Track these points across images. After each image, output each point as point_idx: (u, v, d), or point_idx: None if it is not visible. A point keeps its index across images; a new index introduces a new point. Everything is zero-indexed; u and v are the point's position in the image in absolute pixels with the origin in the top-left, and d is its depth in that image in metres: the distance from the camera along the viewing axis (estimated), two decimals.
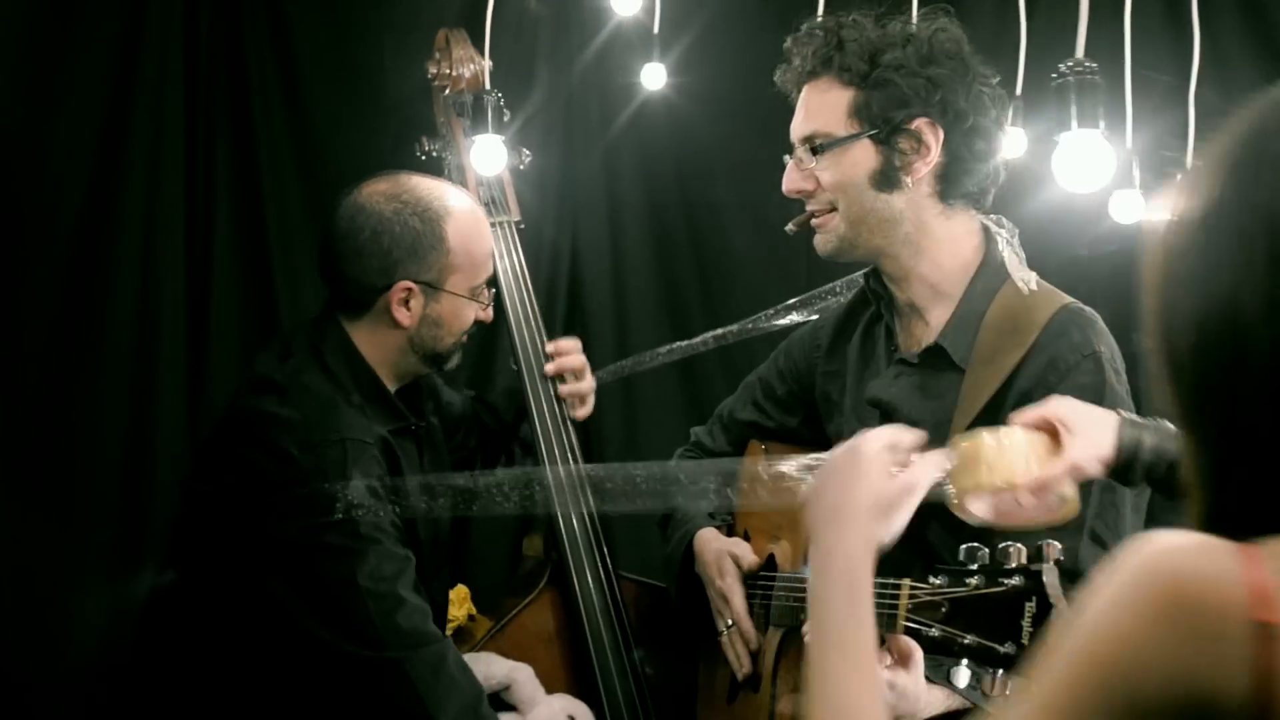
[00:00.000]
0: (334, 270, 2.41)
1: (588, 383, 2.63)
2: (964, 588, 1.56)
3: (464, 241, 2.38)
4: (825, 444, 2.27)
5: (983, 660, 1.53)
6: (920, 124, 2.09)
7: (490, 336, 3.54)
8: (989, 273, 2.14)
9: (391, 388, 2.43)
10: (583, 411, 2.61)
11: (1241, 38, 4.08)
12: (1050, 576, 1.52)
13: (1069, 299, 2.13)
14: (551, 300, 4.04)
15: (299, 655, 2.26)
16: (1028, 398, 1.97)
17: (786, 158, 2.19)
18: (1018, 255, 2.15)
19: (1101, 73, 3.76)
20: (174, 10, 3.72)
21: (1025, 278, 2.11)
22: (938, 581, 1.59)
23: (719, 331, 2.81)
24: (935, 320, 2.15)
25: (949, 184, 2.14)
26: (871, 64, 2.07)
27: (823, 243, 2.17)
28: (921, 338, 2.16)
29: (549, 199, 3.99)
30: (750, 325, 2.77)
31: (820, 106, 2.12)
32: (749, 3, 3.86)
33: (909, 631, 1.61)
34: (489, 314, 2.47)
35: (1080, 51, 2.23)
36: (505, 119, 2.80)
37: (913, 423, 2.04)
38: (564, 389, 2.60)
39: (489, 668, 2.36)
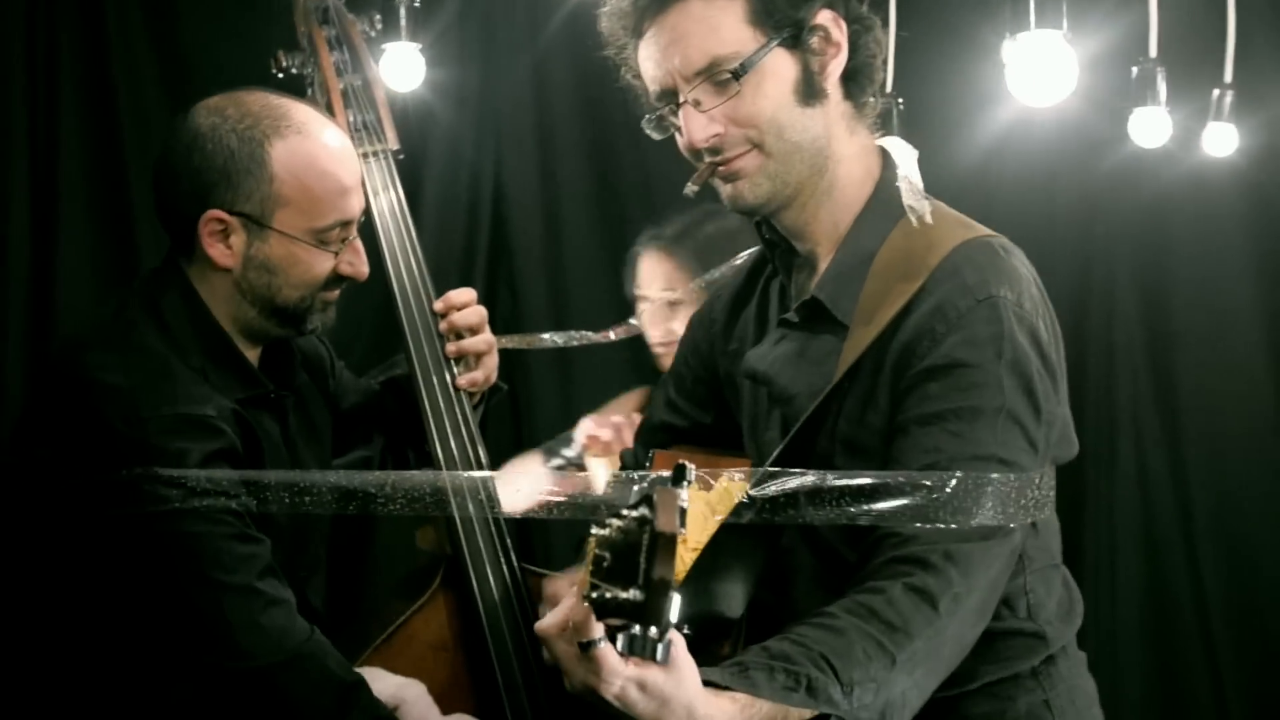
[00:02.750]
0: (155, 198, 2.31)
1: (483, 339, 2.49)
2: (607, 531, 1.47)
3: (296, 170, 2.20)
4: (739, 441, 2.22)
5: (620, 614, 1.44)
6: (825, 16, 1.96)
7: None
8: (881, 207, 2.02)
9: (248, 350, 2.32)
10: (477, 376, 2.48)
11: None
12: (663, 498, 1.41)
13: (980, 231, 2.00)
14: (471, 244, 3.99)
15: (142, 667, 2.16)
16: (910, 353, 1.89)
17: (661, 118, 2.02)
18: (913, 183, 2.02)
19: None
20: None
21: (918, 208, 1.98)
22: (599, 532, 1.48)
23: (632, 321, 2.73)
24: (824, 269, 2.04)
25: (857, 87, 2.02)
26: None
27: (749, 190, 1.99)
28: (808, 291, 2.04)
29: (467, 122, 3.92)
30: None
31: (709, 26, 1.93)
32: None
33: (590, 600, 1.48)
34: (357, 267, 2.30)
35: None
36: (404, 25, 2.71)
37: (788, 396, 2.03)
38: (451, 348, 2.47)
39: (374, 686, 2.23)
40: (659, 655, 1.44)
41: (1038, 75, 2.15)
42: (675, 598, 1.42)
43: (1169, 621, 4.11)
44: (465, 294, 2.51)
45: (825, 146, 2.00)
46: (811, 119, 1.98)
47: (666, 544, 1.40)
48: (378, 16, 2.69)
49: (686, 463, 1.50)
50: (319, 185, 2.23)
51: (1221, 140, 3.38)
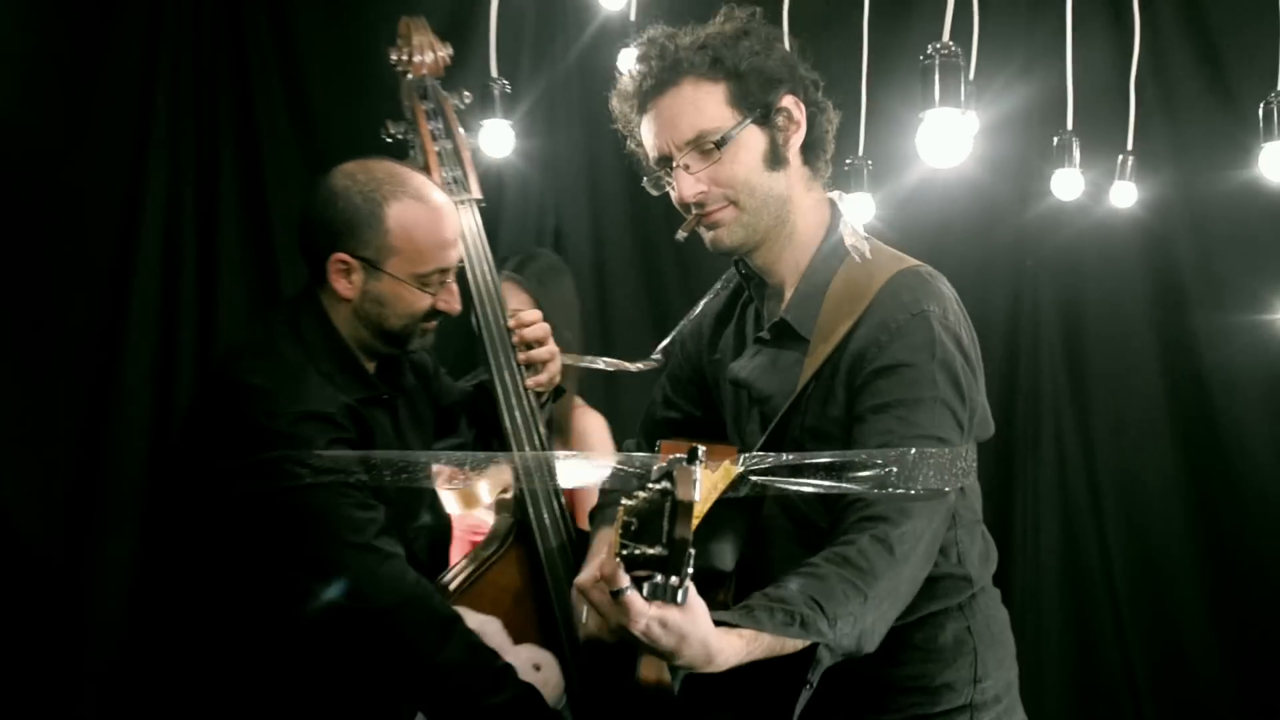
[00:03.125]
0: (299, 239, 2.30)
1: (547, 350, 2.45)
2: (635, 501, 1.45)
3: (406, 227, 2.18)
4: (724, 433, 2.19)
5: (646, 566, 1.43)
6: (788, 100, 1.97)
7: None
8: (832, 247, 2.00)
9: (366, 361, 2.30)
10: (542, 379, 2.44)
11: (1179, 28, 3.95)
12: (682, 474, 1.39)
13: (910, 262, 1.98)
14: None
15: (291, 613, 2.14)
16: (861, 359, 1.88)
17: (658, 178, 2.01)
18: (856, 229, 2.00)
19: (1043, 58, 3.73)
20: (185, 10, 3.71)
21: (860, 247, 1.97)
22: (628, 502, 1.45)
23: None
24: (789, 296, 2.03)
25: (813, 155, 2.02)
26: (734, 55, 1.93)
27: (726, 235, 1.99)
28: (777, 315, 2.03)
29: (534, 178, 3.89)
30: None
31: (696, 107, 1.94)
32: None
33: (622, 556, 1.46)
34: (451, 305, 2.26)
35: (946, 35, 2.16)
36: (497, 102, 2.73)
37: (765, 397, 2.01)
38: (521, 356, 2.43)
39: None
40: (679, 598, 1.44)
41: (941, 144, 2.16)
42: (692, 553, 1.41)
43: (1080, 575, 4.06)
44: (533, 314, 2.47)
45: (787, 201, 1.99)
46: (776, 181, 1.97)
47: (685, 510, 1.39)
48: (466, 93, 2.65)
49: (698, 445, 1.45)
50: (423, 240, 2.20)
51: (1124, 195, 3.33)
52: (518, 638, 2.28)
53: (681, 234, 2.02)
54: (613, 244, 4.03)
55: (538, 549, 2.36)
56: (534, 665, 2.25)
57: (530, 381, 2.43)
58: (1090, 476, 4.07)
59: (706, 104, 1.94)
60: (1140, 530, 4.04)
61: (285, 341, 2.21)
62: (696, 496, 1.40)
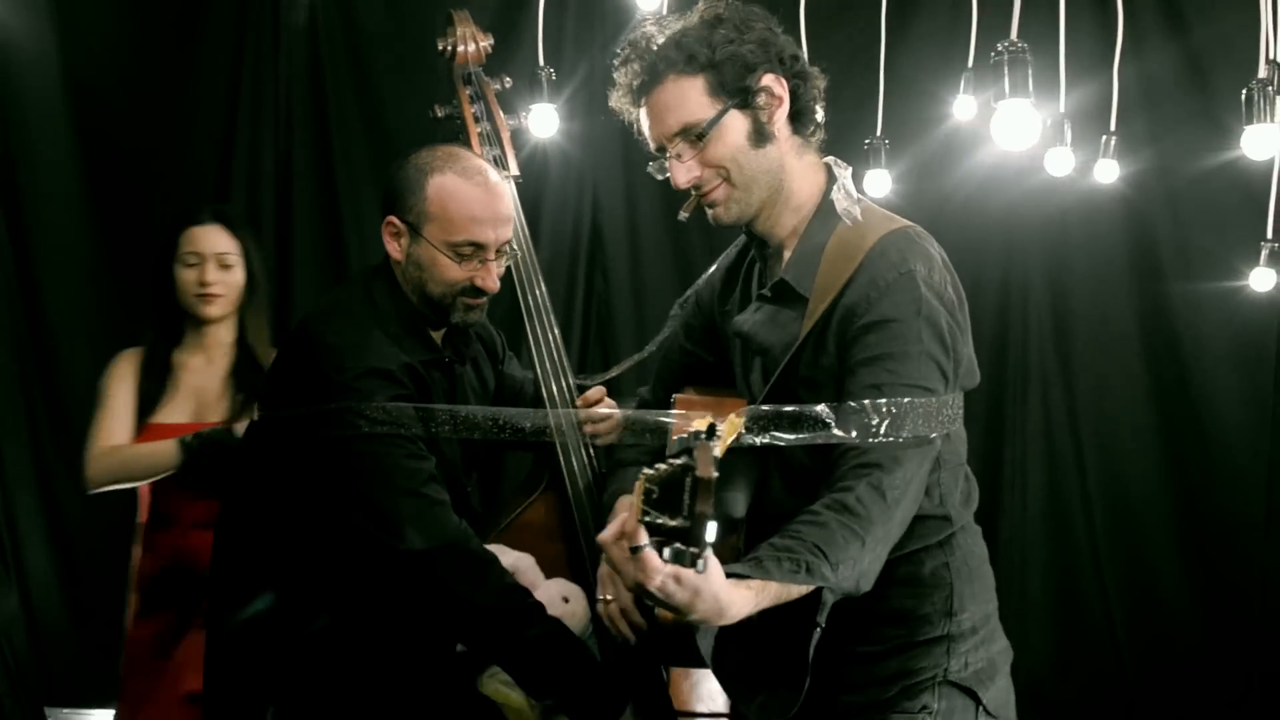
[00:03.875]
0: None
1: (610, 423, 2.28)
2: (656, 472, 1.36)
3: (442, 197, 2.08)
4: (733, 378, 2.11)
5: (668, 535, 1.34)
6: (768, 79, 1.86)
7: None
8: (827, 210, 1.91)
9: (433, 329, 2.19)
10: (610, 437, 2.27)
11: (1159, 21, 3.81)
12: (702, 451, 1.31)
13: (900, 223, 1.89)
14: (576, 241, 3.87)
15: (353, 546, 2.07)
16: (851, 314, 1.81)
17: (661, 164, 1.91)
18: (849, 193, 1.90)
19: (1034, 48, 3.56)
20: (264, 20, 3.73)
21: (851, 211, 1.88)
22: (649, 472, 1.36)
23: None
24: (787, 257, 1.94)
25: (799, 122, 1.92)
26: (709, 48, 1.83)
27: (724, 212, 1.90)
28: (777, 274, 1.95)
29: (575, 156, 3.80)
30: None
31: (679, 102, 1.85)
32: None
33: (644, 523, 1.38)
34: (486, 282, 2.13)
35: (1014, 34, 2.07)
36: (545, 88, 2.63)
37: (766, 349, 1.93)
38: (589, 427, 2.28)
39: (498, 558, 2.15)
40: (700, 567, 1.37)
41: (1014, 130, 2.10)
42: (712, 525, 1.33)
43: (1063, 517, 3.97)
44: (597, 392, 2.32)
45: (779, 171, 1.89)
46: (764, 155, 1.88)
47: (705, 486, 1.31)
48: (507, 78, 2.59)
49: (716, 422, 1.37)
50: (455, 210, 2.10)
51: (1107, 172, 3.20)
52: (549, 572, 2.22)
53: (683, 214, 1.95)
54: (645, 217, 3.94)
55: (568, 494, 2.29)
56: (563, 597, 2.17)
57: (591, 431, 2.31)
58: (1073, 428, 3.97)
59: (688, 98, 1.85)
60: (1118, 476, 3.96)
61: (359, 304, 2.15)
62: (715, 473, 1.32)
